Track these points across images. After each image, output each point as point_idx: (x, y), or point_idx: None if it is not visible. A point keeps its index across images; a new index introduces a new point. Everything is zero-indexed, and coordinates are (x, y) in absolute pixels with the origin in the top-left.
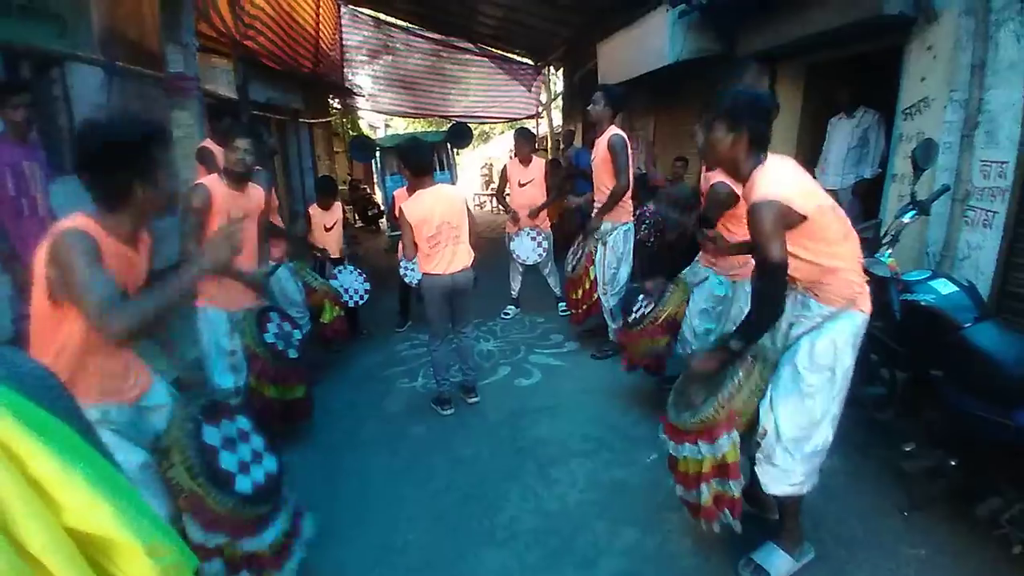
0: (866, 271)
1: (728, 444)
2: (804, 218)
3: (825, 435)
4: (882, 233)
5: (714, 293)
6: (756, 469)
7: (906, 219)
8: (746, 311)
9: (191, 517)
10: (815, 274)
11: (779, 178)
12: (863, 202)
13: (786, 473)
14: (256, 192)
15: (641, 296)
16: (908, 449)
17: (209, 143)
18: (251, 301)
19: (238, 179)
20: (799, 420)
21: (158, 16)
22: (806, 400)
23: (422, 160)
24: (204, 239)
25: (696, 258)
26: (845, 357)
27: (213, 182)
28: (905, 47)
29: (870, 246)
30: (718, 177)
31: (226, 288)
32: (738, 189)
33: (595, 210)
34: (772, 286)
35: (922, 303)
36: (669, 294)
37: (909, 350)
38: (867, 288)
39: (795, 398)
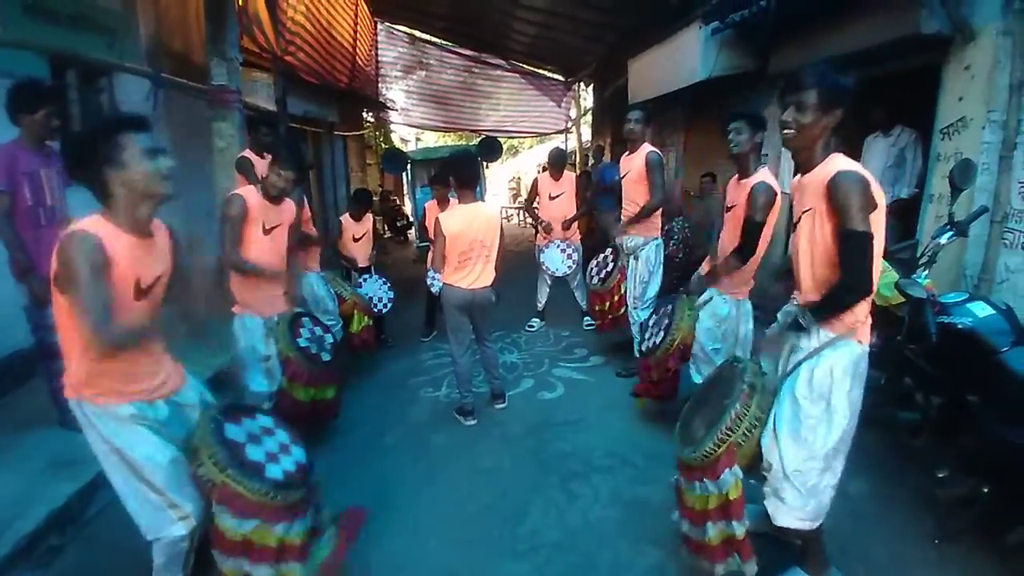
0: (902, 292)
1: (732, 480)
2: (874, 208)
3: (831, 470)
4: (919, 254)
5: (717, 313)
6: (766, 502)
7: (943, 240)
8: (750, 330)
9: (224, 507)
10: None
11: (857, 166)
12: (900, 222)
13: (793, 508)
14: (288, 204)
15: (652, 321)
16: (941, 476)
17: (248, 153)
18: (285, 308)
19: (271, 198)
20: (801, 453)
21: (204, 31)
22: (806, 433)
23: (471, 174)
24: (240, 245)
25: (693, 276)
26: (843, 387)
27: (249, 193)
28: (943, 66)
29: (906, 267)
30: (757, 180)
31: (261, 296)
32: (774, 186)
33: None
34: (860, 259)
35: (959, 326)
36: (677, 320)
37: (944, 374)
38: (869, 321)
39: (796, 431)
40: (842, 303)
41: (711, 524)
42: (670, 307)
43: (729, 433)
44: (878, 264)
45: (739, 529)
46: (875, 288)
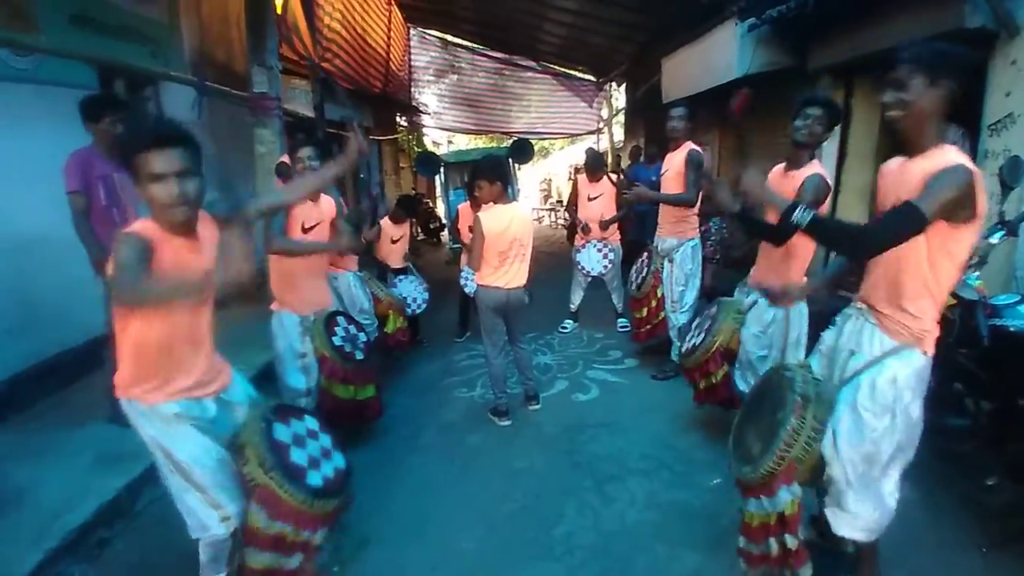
0: (952, 294)
1: (788, 498)
2: (973, 216)
3: (893, 480)
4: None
5: (763, 317)
6: (826, 512)
7: (994, 240)
8: (803, 334)
9: (261, 507)
10: (912, 290)
11: (974, 167)
12: None
13: (857, 518)
14: (327, 201)
15: (696, 323)
16: (990, 483)
17: (287, 159)
18: (321, 306)
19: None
20: (863, 464)
21: (245, 40)
22: (869, 445)
23: (503, 173)
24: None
25: (743, 280)
26: (905, 397)
27: None
28: (989, 61)
29: None
30: (811, 171)
31: (299, 295)
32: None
33: (659, 227)
34: (896, 225)
35: (1011, 328)
36: (720, 322)
37: (995, 378)
38: (937, 330)
39: (859, 442)
40: (841, 238)
41: (773, 539)
42: (714, 308)
43: (788, 450)
44: (952, 278)
45: (792, 542)
46: (944, 293)
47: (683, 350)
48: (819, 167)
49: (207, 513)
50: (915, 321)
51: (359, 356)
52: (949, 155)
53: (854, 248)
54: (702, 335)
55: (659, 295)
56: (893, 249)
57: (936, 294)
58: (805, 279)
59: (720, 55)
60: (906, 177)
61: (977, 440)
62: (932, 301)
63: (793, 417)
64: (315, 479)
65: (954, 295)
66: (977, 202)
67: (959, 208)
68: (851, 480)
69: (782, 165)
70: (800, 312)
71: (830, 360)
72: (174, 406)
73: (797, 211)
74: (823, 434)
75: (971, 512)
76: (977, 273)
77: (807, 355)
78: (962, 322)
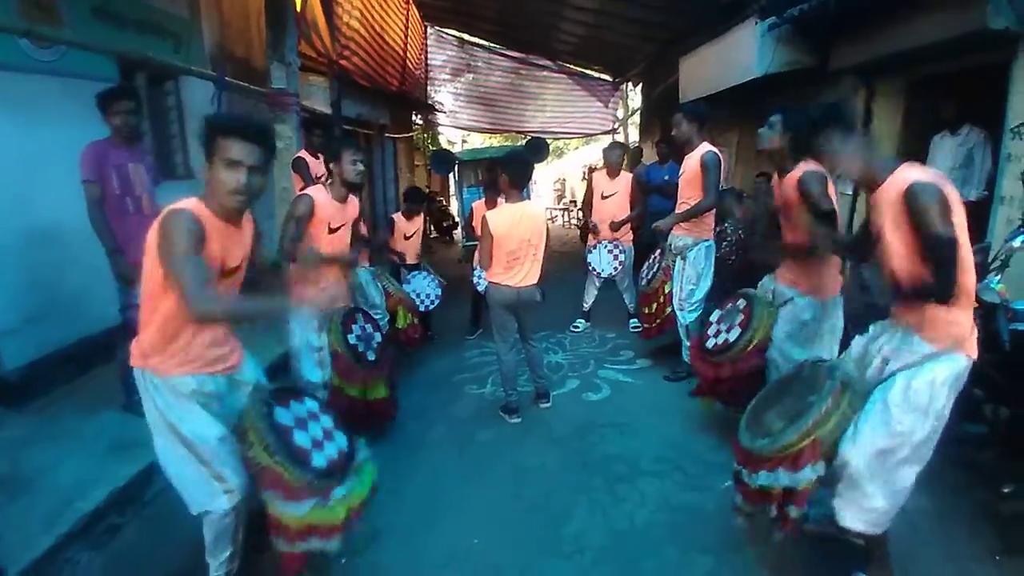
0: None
1: (811, 476)
2: (953, 213)
3: (911, 477)
4: (991, 258)
5: (800, 317)
6: (834, 501)
7: (1016, 243)
8: (839, 327)
9: (274, 492)
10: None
11: (930, 174)
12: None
13: (866, 510)
14: (353, 203)
15: (716, 318)
16: (1007, 491)
17: (304, 154)
18: (340, 304)
19: (350, 188)
20: (886, 459)
21: (265, 36)
22: (895, 439)
23: (523, 174)
24: (302, 244)
25: (770, 275)
26: (940, 399)
27: (317, 193)
28: (1012, 62)
29: (978, 271)
30: (801, 171)
31: (318, 290)
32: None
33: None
34: (948, 266)
35: None
36: (756, 317)
37: (1016, 384)
38: (976, 331)
39: (884, 436)
40: (921, 299)
41: (773, 506)
42: (743, 303)
43: (815, 428)
44: (969, 267)
45: (794, 512)
46: (971, 293)
47: (710, 346)
48: (806, 166)
49: (208, 487)
50: (953, 325)
51: (371, 357)
52: (899, 178)
53: (938, 298)
54: (737, 331)
55: (667, 291)
56: (908, 265)
57: (959, 295)
58: (840, 277)
59: (739, 54)
60: (880, 208)
61: (995, 448)
62: (960, 303)
63: (829, 399)
64: (319, 460)
65: (975, 298)
66: (952, 200)
67: (946, 212)
68: (864, 471)
69: (776, 175)
70: (837, 306)
71: (861, 365)
72: (191, 381)
73: (867, 274)
74: (851, 423)
75: (987, 519)
76: (999, 277)
77: (840, 352)
78: (983, 327)
